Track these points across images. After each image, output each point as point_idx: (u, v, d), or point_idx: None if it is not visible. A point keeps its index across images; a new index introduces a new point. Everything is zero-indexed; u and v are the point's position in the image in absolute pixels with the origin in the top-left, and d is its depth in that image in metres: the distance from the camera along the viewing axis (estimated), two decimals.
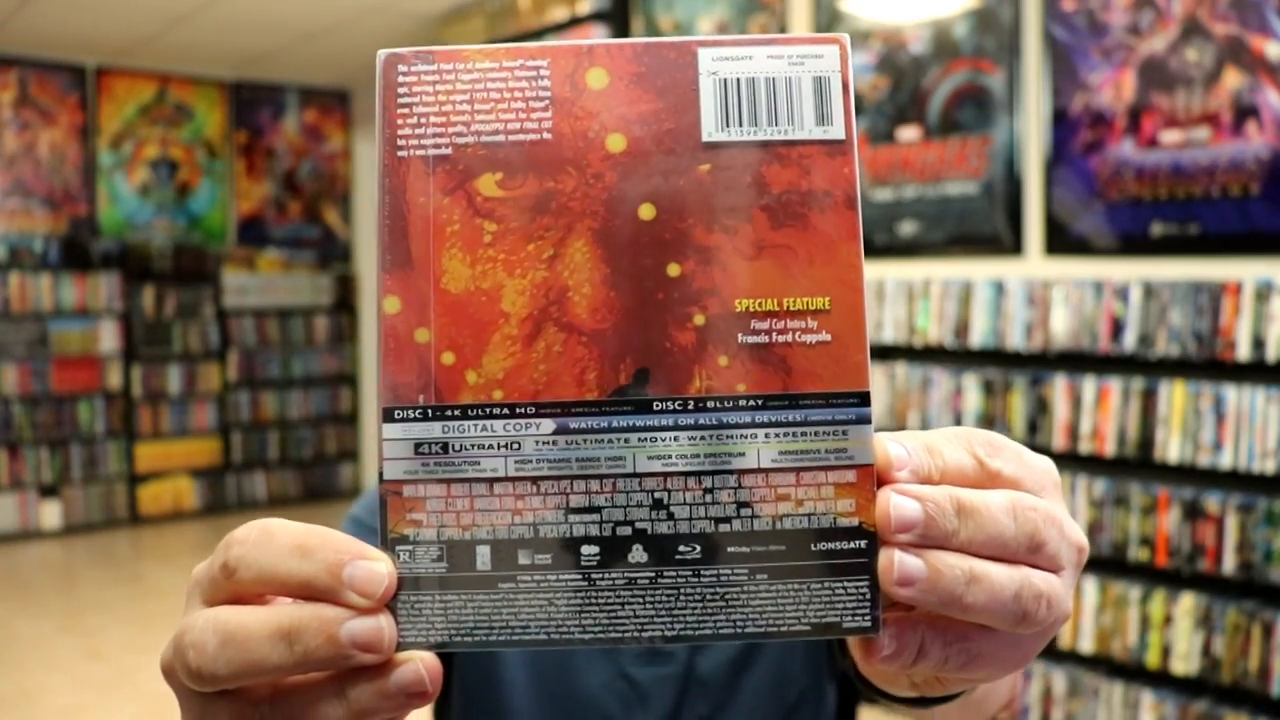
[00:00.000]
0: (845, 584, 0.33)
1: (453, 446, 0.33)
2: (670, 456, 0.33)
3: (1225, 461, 2.49)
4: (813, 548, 0.33)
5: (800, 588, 0.33)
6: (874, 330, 3.24)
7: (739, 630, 0.33)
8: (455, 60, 0.34)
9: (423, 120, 0.33)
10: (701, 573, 0.33)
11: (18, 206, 5.97)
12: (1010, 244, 3.02)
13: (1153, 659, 2.62)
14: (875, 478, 0.34)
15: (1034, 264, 2.98)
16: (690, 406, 0.33)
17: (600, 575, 0.33)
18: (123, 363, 6.17)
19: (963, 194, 3.12)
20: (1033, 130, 2.96)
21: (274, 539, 0.33)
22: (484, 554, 0.33)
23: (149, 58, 6.15)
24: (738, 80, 0.33)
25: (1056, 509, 0.35)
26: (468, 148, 0.33)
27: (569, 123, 0.33)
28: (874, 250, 3.33)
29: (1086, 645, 2.75)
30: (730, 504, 0.33)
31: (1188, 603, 2.56)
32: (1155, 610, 2.62)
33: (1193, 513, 2.56)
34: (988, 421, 2.98)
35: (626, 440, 0.33)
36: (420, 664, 0.32)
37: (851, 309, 0.34)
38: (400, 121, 0.34)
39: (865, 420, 0.34)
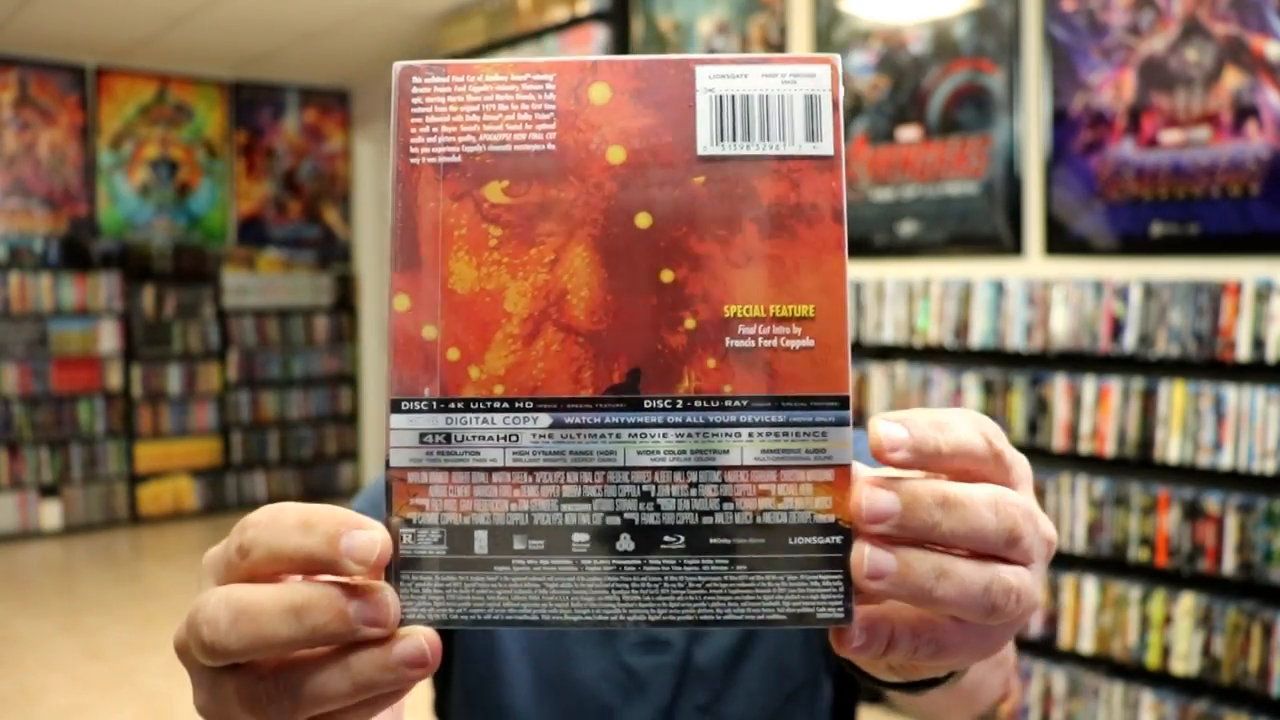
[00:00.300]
0: (820, 577, 0.35)
1: (455, 437, 0.35)
2: (659, 452, 0.35)
3: (1225, 461, 2.49)
4: (790, 542, 0.35)
5: (777, 579, 0.35)
6: (874, 330, 3.24)
7: (719, 617, 0.35)
8: (466, 73, 0.35)
9: (434, 129, 0.35)
10: (685, 562, 0.35)
11: (18, 206, 5.97)
12: (1010, 244, 3.02)
13: (1153, 659, 2.62)
14: (852, 476, 0.35)
15: (1034, 264, 2.98)
16: (679, 405, 0.35)
17: (589, 561, 0.35)
18: (123, 363, 6.17)
19: (963, 194, 3.12)
20: (1033, 130, 2.96)
21: (282, 518, 0.35)
22: (481, 538, 0.35)
23: (149, 58, 6.15)
24: (733, 97, 0.35)
25: (1032, 503, 0.37)
26: (476, 156, 0.35)
27: (572, 134, 0.35)
28: (874, 250, 3.33)
29: (1086, 645, 2.75)
30: (714, 498, 0.35)
31: (1188, 603, 2.56)
32: (1155, 610, 2.63)
33: (1193, 513, 2.56)
34: None
35: (618, 436, 0.35)
36: (422, 638, 0.34)
37: (834, 317, 0.35)
38: (413, 130, 0.35)
39: (844, 423, 0.35)
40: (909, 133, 3.24)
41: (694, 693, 0.89)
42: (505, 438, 0.35)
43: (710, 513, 0.35)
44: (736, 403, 0.35)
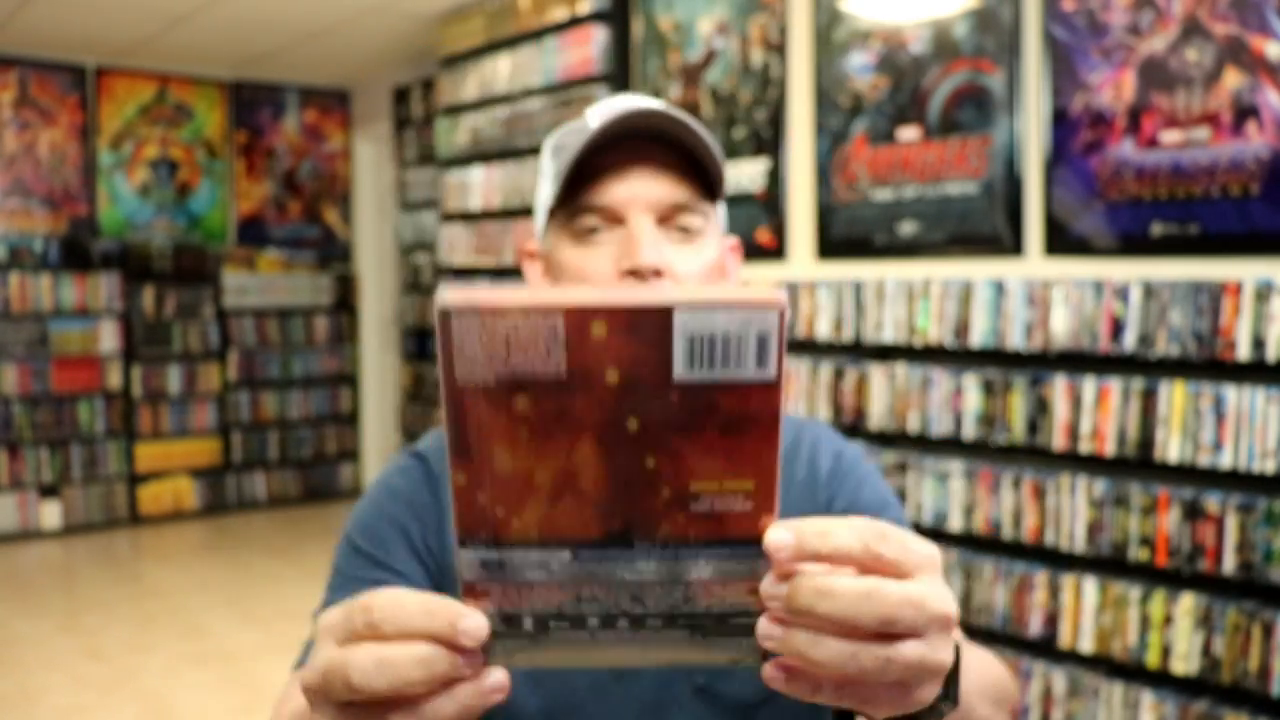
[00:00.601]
0: (744, 639, 0.52)
1: (506, 564, 0.51)
2: (644, 573, 0.51)
3: (1225, 461, 2.49)
4: (729, 622, 0.52)
5: (719, 640, 0.53)
6: (874, 330, 3.25)
7: (681, 658, 0.53)
8: (495, 313, 0.47)
9: (473, 359, 0.48)
10: (661, 633, 0.53)
11: (18, 206, 5.98)
12: (1010, 244, 3.02)
13: (1153, 659, 2.62)
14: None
15: (1034, 264, 2.98)
16: (657, 546, 0.50)
17: (601, 635, 0.53)
18: (123, 363, 6.17)
19: (963, 194, 3.12)
20: (1033, 130, 2.96)
21: (405, 605, 0.49)
22: (528, 621, 0.52)
23: (149, 58, 6.15)
24: (701, 335, 0.47)
25: (918, 589, 0.48)
26: (506, 381, 0.48)
27: (578, 360, 0.47)
28: (874, 250, 3.33)
29: (1086, 645, 2.76)
30: (680, 598, 0.52)
31: (1188, 603, 2.56)
32: (1155, 610, 2.63)
33: (1193, 513, 2.56)
34: (988, 421, 2.98)
35: (616, 563, 0.51)
36: (500, 672, 0.50)
37: (767, 488, 0.50)
38: (457, 358, 0.48)
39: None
40: (909, 133, 3.24)
41: (691, 673, 0.91)
42: (540, 565, 0.51)
43: (678, 605, 0.52)
44: (697, 543, 0.50)
